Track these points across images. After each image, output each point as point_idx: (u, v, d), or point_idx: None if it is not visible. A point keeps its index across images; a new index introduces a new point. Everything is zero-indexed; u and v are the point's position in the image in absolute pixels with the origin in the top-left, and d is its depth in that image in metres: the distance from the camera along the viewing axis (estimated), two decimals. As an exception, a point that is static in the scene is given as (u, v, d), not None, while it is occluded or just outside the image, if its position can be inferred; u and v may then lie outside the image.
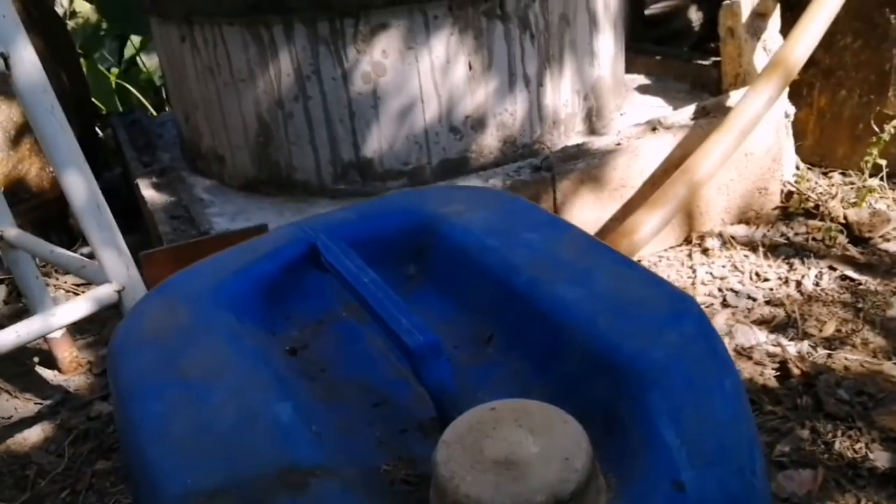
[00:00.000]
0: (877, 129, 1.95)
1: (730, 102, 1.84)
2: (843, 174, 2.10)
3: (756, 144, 1.89)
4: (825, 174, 2.12)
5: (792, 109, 2.00)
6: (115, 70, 3.47)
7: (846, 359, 1.50)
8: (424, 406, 0.62)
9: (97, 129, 2.82)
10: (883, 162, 1.93)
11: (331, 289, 0.76)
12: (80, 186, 1.21)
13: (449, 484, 0.48)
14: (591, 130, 1.93)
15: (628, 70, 2.23)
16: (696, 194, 1.73)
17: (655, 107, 2.08)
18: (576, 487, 0.48)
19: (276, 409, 0.55)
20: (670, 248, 1.90)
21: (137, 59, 3.50)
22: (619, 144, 1.79)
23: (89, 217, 1.23)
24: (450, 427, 0.53)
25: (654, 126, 1.83)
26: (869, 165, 1.92)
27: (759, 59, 1.94)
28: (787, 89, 1.83)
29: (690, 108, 1.87)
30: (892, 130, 1.88)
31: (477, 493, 0.47)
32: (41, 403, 1.67)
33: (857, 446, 1.32)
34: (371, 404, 0.63)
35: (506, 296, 0.66)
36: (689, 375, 0.56)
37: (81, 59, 2.95)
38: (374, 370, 0.66)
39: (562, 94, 1.84)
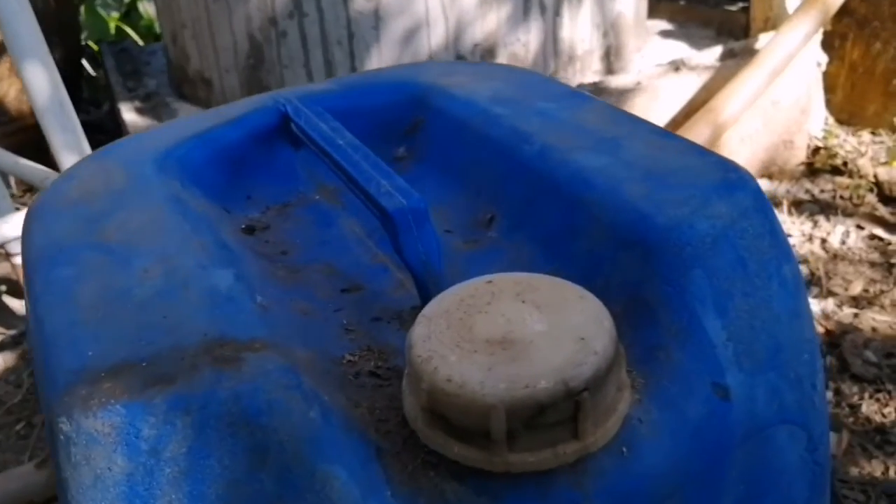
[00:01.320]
0: (914, 84, 1.81)
1: (759, 45, 1.71)
2: (874, 133, 1.96)
3: (784, 93, 1.76)
4: (855, 133, 1.99)
5: (824, 58, 1.86)
6: (115, 14, 3.33)
7: (874, 319, 1.39)
8: (405, 294, 0.50)
9: (90, 67, 2.69)
10: (918, 119, 1.80)
11: (303, 168, 0.64)
12: (41, 81, 1.09)
13: (426, 366, 0.36)
14: (609, 70, 1.80)
15: (650, 16, 2.09)
16: (719, 139, 1.60)
17: (679, 50, 1.95)
18: (593, 374, 0.36)
19: (213, 276, 0.43)
20: (686, 200, 1.77)
21: (139, 4, 3.36)
22: (638, 83, 1.66)
23: (51, 117, 1.11)
24: (433, 300, 0.41)
25: (676, 66, 1.69)
26: (903, 121, 1.78)
27: (792, 2, 1.80)
28: (821, 32, 1.70)
29: (717, 49, 1.74)
30: (932, 84, 1.74)
31: (461, 376, 0.35)
32: (4, 333, 1.56)
33: (885, 410, 1.20)
34: (339, 290, 0.51)
35: (512, 169, 0.54)
36: (741, 255, 0.44)
37: (81, 6, 2.82)
38: (346, 254, 0.54)
39: (579, 28, 1.71)
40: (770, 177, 1.82)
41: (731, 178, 0.47)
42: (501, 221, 0.54)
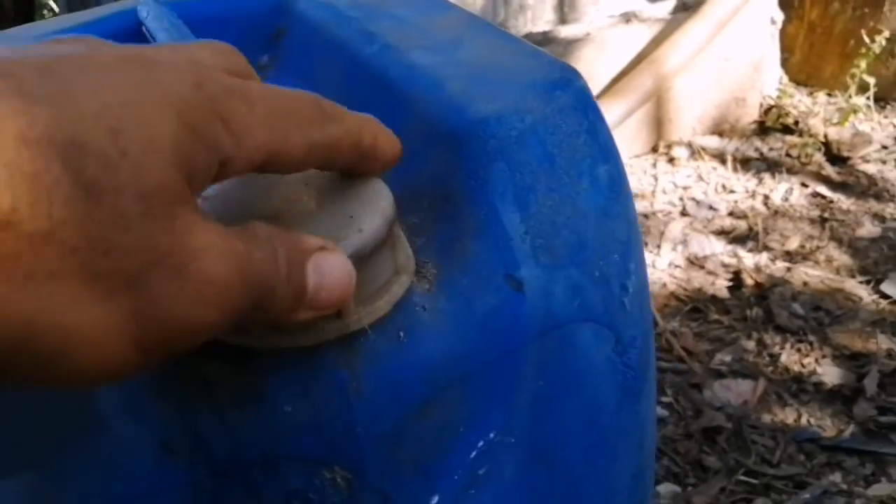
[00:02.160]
0: (869, 46, 1.80)
1: (712, -1, 1.69)
2: (830, 95, 1.95)
3: (736, 50, 1.74)
4: (810, 93, 1.98)
5: (780, 16, 1.84)
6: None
7: (807, 274, 1.39)
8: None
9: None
10: (871, 80, 1.79)
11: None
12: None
13: None
14: (562, 20, 1.78)
15: (611, -32, 2.06)
16: (664, 92, 1.59)
17: (635, 3, 1.93)
18: (355, 251, 0.35)
19: None
20: (635, 156, 1.76)
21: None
22: (587, 34, 1.64)
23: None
24: (218, 184, 0.40)
25: (627, 18, 1.67)
26: (855, 80, 1.77)
27: (750, -43, 1.78)
28: (775, -12, 1.68)
29: (670, 2, 1.72)
30: (883, 43, 1.73)
31: None
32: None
33: (805, 360, 1.21)
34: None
35: (355, 68, 0.53)
36: (549, 151, 0.43)
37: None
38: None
39: (530, -25, 1.69)
40: (720, 134, 1.81)
41: (554, 77, 0.46)
42: (340, 124, 0.53)
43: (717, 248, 1.45)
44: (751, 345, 1.23)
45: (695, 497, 0.97)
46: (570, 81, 0.47)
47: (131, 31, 0.61)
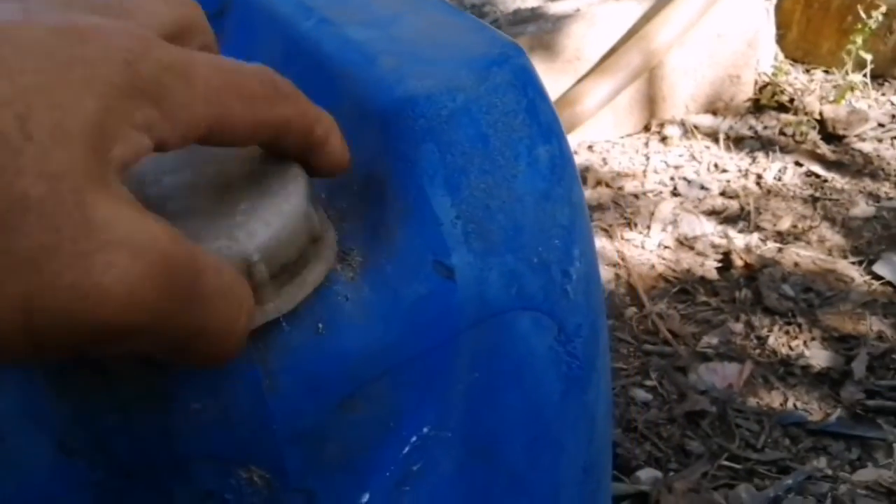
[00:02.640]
0: (866, 22, 1.76)
1: (704, -26, 1.65)
2: (827, 72, 1.92)
3: (730, 26, 1.71)
4: (807, 71, 1.94)
5: (775, -10, 1.81)
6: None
7: (798, 255, 1.37)
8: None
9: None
10: (868, 57, 1.75)
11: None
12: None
13: None
14: (551, -3, 1.75)
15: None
16: (656, 69, 1.56)
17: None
18: (268, 238, 0.33)
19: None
20: (626, 135, 1.73)
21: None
22: (577, 10, 1.61)
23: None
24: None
25: (617, -6, 1.64)
26: (852, 56, 1.74)
27: (743, -70, 1.74)
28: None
29: (660, -22, 1.68)
30: (881, 18, 1.69)
31: None
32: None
33: (793, 343, 1.19)
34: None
35: (292, 45, 0.51)
36: (483, 131, 0.41)
37: None
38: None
39: (517, -48, 1.65)
40: (714, 112, 1.78)
41: (492, 53, 0.44)
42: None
43: (708, 229, 1.43)
44: (738, 327, 1.21)
45: (676, 482, 0.96)
46: (509, 58, 0.44)
47: None
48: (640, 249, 1.38)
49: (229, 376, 0.35)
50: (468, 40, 0.47)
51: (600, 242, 1.40)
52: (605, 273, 1.34)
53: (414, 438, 0.39)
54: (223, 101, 0.26)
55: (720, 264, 1.34)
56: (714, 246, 1.38)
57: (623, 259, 1.35)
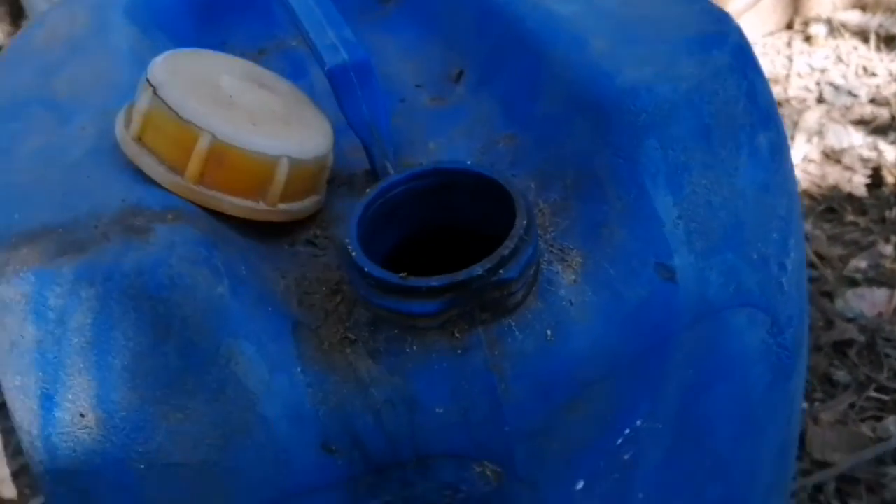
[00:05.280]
0: None
1: None
2: None
3: None
4: (971, -45, 1.76)
5: None
6: None
7: (955, 168, 1.28)
8: (362, 156, 0.48)
9: None
10: None
11: (281, 9, 0.60)
12: None
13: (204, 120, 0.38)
14: None
15: None
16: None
17: None
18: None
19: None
20: (768, 34, 1.63)
21: None
22: None
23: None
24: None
25: None
26: None
27: None
28: None
29: None
30: None
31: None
32: None
33: (955, 267, 1.13)
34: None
35: (484, 17, 0.50)
36: (705, 122, 0.40)
37: None
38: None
39: None
40: (863, 8, 1.65)
41: (709, 31, 0.42)
42: (470, 76, 0.50)
43: (856, 140, 1.35)
44: (889, 250, 1.16)
45: (822, 413, 0.95)
46: (726, 35, 0.42)
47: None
48: (782, 163, 1.32)
49: (468, 383, 0.36)
50: (678, 13, 0.45)
51: (738, 155, 1.35)
52: (745, 189, 1.29)
53: (627, 431, 0.40)
54: None
55: (870, 180, 1.28)
56: (863, 159, 1.31)
57: (763, 173, 1.31)
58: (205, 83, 0.40)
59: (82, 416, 0.35)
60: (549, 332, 0.37)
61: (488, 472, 0.37)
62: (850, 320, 1.06)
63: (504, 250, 0.34)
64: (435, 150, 0.46)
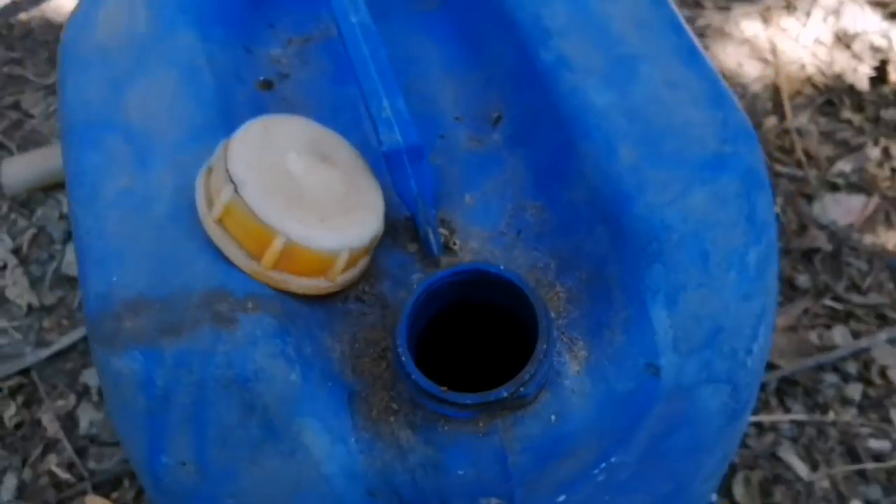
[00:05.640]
0: None
1: None
2: None
3: None
4: None
5: None
6: None
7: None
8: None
9: None
10: None
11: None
12: None
13: (281, 223, 0.44)
14: None
15: None
16: None
17: None
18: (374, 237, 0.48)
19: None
20: None
21: None
22: None
23: None
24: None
25: None
26: None
27: None
28: None
29: None
30: None
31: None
32: None
33: (929, 177, 1.20)
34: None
35: (525, 69, 0.53)
36: (705, 249, 0.46)
37: None
38: (354, 132, 0.56)
39: None
40: None
41: (725, 152, 0.47)
42: (507, 124, 0.54)
43: (871, 26, 1.35)
44: (875, 153, 1.21)
45: (779, 317, 1.07)
46: (740, 158, 0.48)
47: None
48: (794, 43, 1.33)
49: (485, 455, 0.46)
50: (701, 121, 0.49)
51: (753, 29, 1.35)
52: (753, 70, 1.32)
53: (603, 465, 0.51)
54: None
55: (874, 73, 1.30)
56: (873, 48, 1.32)
57: (774, 53, 1.32)
58: (276, 169, 0.46)
59: (183, 464, 0.45)
60: (553, 417, 0.46)
61: (493, 502, 0.48)
62: (822, 227, 1.15)
63: (525, 375, 0.43)
64: (471, 203, 0.52)
